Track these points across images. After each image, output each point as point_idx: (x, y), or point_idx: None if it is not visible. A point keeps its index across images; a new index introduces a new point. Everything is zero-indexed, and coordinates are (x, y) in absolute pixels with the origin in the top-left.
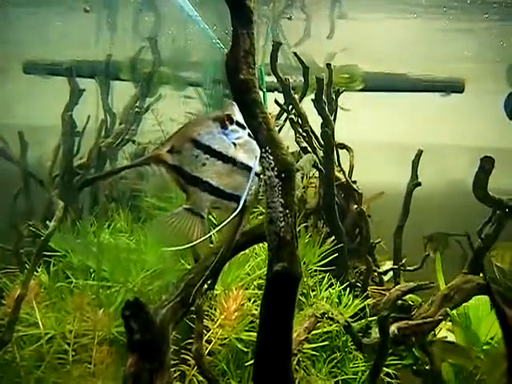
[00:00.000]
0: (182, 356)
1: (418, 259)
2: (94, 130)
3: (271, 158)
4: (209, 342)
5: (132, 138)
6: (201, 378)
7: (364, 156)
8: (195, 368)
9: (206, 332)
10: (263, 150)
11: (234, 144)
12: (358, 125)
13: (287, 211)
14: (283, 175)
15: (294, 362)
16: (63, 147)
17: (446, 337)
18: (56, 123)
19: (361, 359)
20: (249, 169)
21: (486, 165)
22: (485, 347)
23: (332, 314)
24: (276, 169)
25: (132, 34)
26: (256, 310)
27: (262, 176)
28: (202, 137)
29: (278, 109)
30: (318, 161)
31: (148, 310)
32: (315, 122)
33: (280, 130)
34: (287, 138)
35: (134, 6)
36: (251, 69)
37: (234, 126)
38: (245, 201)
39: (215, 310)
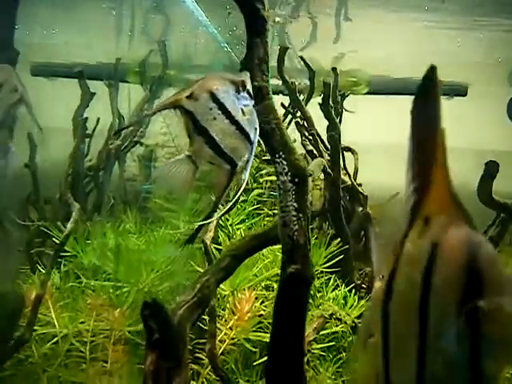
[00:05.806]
0: (195, 355)
1: None
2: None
3: (285, 163)
4: (220, 342)
5: (140, 140)
6: (213, 377)
7: (371, 158)
8: (208, 367)
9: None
10: (277, 156)
11: (242, 110)
12: (363, 127)
13: (300, 215)
14: (296, 180)
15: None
16: (73, 149)
17: None
18: (63, 125)
19: None
20: (247, 136)
21: (491, 169)
22: None
23: (340, 314)
24: (290, 173)
25: (141, 37)
26: (264, 310)
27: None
28: (219, 92)
29: (283, 111)
30: (325, 164)
31: (166, 310)
32: (319, 125)
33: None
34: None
35: (144, 9)
36: (265, 76)
37: (245, 94)
38: (236, 165)
39: (223, 310)
